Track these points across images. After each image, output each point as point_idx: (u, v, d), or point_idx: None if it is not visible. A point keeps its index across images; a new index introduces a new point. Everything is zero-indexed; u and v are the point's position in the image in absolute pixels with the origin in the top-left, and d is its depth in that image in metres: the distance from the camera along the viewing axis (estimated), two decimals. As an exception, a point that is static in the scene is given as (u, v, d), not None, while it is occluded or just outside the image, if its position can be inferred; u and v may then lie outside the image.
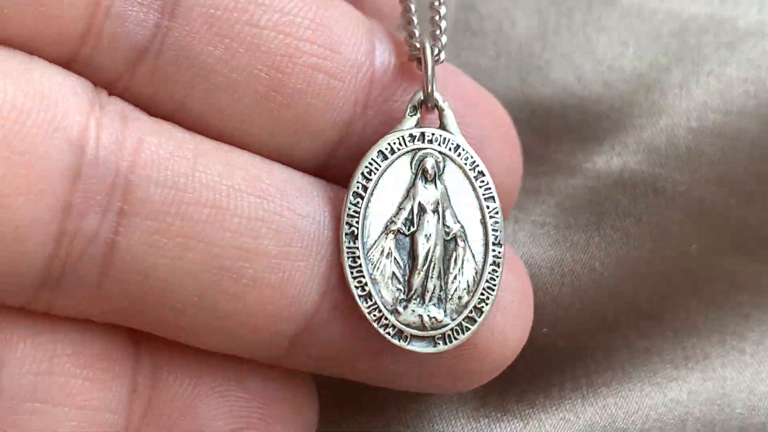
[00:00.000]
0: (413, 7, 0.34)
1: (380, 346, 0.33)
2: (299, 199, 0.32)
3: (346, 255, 0.32)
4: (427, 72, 0.33)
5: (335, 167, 0.34)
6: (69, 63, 0.31)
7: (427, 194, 0.33)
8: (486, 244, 0.33)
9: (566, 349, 0.37)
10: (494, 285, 0.33)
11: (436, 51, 0.34)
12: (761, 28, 0.38)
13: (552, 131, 0.39)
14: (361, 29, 0.33)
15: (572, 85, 0.39)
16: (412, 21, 0.34)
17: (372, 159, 0.33)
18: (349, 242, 0.32)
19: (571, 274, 0.37)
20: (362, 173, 0.33)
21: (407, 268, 0.33)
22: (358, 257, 0.32)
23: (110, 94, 0.32)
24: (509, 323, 0.34)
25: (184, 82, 0.32)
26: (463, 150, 0.33)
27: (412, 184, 0.33)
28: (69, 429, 0.31)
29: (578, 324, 0.37)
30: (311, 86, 0.32)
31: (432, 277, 0.33)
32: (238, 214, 0.31)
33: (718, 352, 0.37)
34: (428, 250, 0.33)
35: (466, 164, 0.33)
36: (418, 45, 0.34)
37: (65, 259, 0.30)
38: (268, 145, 0.33)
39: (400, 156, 0.33)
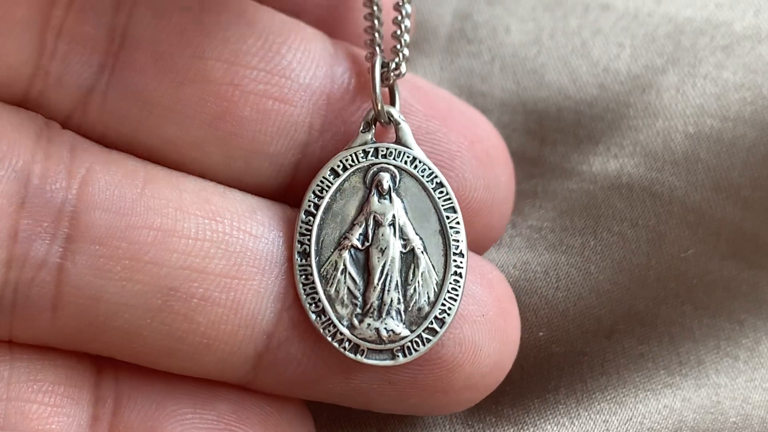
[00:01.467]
0: (377, 24, 0.34)
1: (345, 364, 0.33)
2: (251, 220, 0.33)
3: (298, 273, 0.33)
4: (374, 88, 0.33)
5: (296, 189, 0.34)
6: (21, 102, 0.32)
7: (381, 208, 0.33)
8: (446, 255, 0.33)
9: (561, 354, 0.37)
10: (456, 296, 0.33)
11: (393, 65, 0.34)
12: (757, 32, 0.38)
13: (547, 133, 0.38)
14: (317, 52, 0.34)
15: (567, 87, 0.38)
16: (375, 38, 0.34)
17: (324, 177, 0.33)
18: (302, 260, 0.33)
19: (566, 277, 0.37)
20: (313, 191, 0.33)
21: (362, 282, 0.33)
22: (311, 275, 0.33)
23: (72, 129, 0.33)
24: (482, 337, 0.33)
25: (132, 116, 0.32)
26: (420, 162, 0.33)
27: (366, 199, 0.33)
28: None
29: (573, 328, 0.37)
30: (260, 113, 0.33)
31: (389, 290, 0.33)
32: (185, 235, 0.32)
33: (712, 359, 0.37)
34: (384, 264, 0.33)
35: (423, 176, 0.33)
36: None
37: (15, 286, 0.31)
38: (222, 171, 0.33)
39: (353, 172, 0.33)
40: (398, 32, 0.35)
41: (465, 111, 0.36)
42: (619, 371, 0.37)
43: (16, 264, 0.31)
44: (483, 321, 0.33)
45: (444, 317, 0.33)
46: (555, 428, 0.36)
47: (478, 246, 0.35)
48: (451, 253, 0.33)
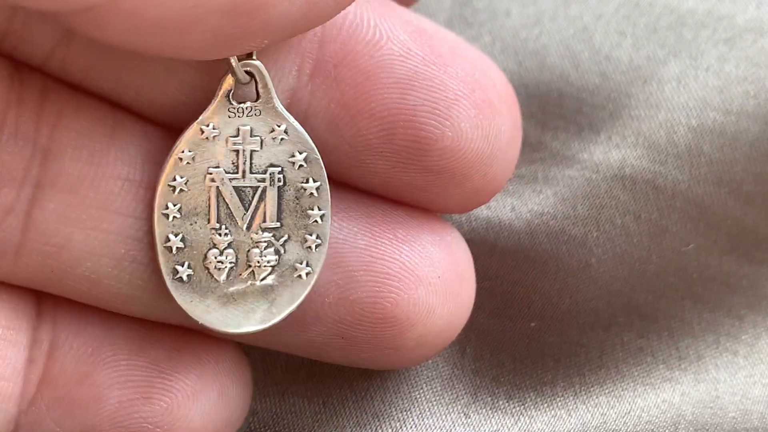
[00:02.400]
0: None
1: (301, 318, 0.33)
2: None
3: None
4: None
5: None
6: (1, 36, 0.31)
7: None
8: None
9: (556, 345, 0.36)
10: None
11: None
12: (759, 25, 0.38)
13: (548, 118, 0.38)
14: None
15: (569, 72, 0.38)
16: None
17: None
18: None
19: (565, 269, 0.36)
20: None
21: None
22: None
23: (43, 72, 0.32)
24: (435, 299, 0.33)
25: (119, 52, 0.31)
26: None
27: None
28: None
29: (569, 319, 0.36)
30: None
31: None
32: (152, 186, 0.32)
33: (711, 354, 0.37)
34: None
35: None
36: None
37: None
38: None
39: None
40: None
41: (470, 55, 0.34)
42: (618, 365, 0.36)
43: None
44: (438, 283, 0.33)
45: None
46: (552, 420, 0.36)
47: (477, 196, 0.34)
48: None
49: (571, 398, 0.36)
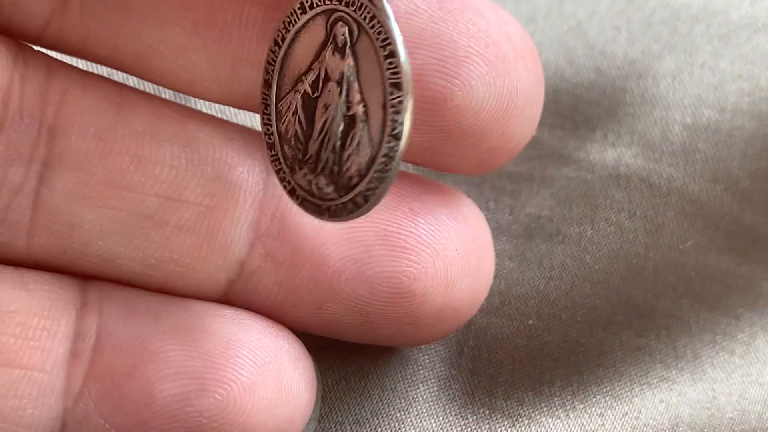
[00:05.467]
0: None
1: (318, 295, 0.32)
2: (227, 148, 0.32)
3: (261, 103, 0.31)
4: None
5: None
6: None
7: (333, 62, 0.31)
8: (382, 133, 0.30)
9: (555, 343, 0.36)
10: (383, 177, 0.30)
11: None
12: (754, 21, 0.38)
13: (544, 116, 0.37)
14: None
15: (564, 68, 0.38)
16: None
17: (293, 10, 0.31)
18: (264, 89, 0.31)
19: (560, 266, 0.36)
20: (283, 22, 0.31)
21: (308, 131, 0.31)
22: (269, 105, 0.31)
23: (42, 44, 0.32)
24: (454, 272, 0.32)
25: (112, 21, 0.31)
26: (378, 23, 0.30)
27: (323, 47, 0.31)
28: None
29: (567, 317, 0.36)
30: (243, 19, 0.32)
31: (326, 149, 0.31)
32: (161, 162, 0.32)
33: (708, 353, 0.37)
34: (325, 121, 0.31)
35: (378, 39, 0.30)
36: None
37: None
38: (209, 79, 0.32)
39: (317, 13, 0.31)
40: None
41: (483, 9, 0.32)
42: (616, 364, 0.36)
43: None
44: (456, 255, 0.32)
45: (368, 195, 0.30)
46: (550, 420, 0.36)
47: (494, 156, 0.33)
48: (387, 133, 0.30)
49: (569, 398, 0.36)
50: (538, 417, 0.36)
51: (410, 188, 0.33)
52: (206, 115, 0.33)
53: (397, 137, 0.29)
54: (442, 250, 0.32)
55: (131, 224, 0.32)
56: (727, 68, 0.37)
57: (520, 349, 0.36)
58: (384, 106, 0.30)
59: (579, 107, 0.38)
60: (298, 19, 0.31)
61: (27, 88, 0.31)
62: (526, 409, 0.36)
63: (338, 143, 0.30)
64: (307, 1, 0.31)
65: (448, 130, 0.31)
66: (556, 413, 0.36)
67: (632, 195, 0.36)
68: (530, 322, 0.36)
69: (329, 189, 0.31)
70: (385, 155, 0.30)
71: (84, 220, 0.31)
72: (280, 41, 0.31)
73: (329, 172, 0.31)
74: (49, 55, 0.32)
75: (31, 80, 0.31)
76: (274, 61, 0.31)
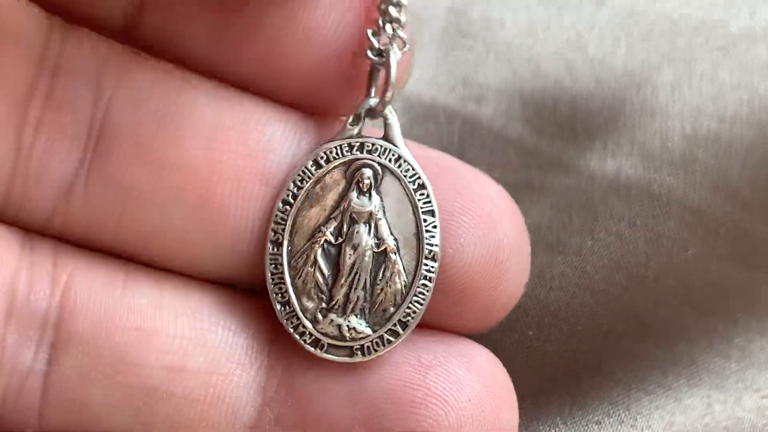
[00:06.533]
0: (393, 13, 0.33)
1: None
2: (230, 315, 0.33)
3: (269, 262, 0.32)
4: (389, 77, 0.32)
5: None
6: (2, 204, 0.32)
7: (360, 205, 0.32)
8: (418, 258, 0.32)
9: (555, 353, 0.36)
10: (423, 300, 0.32)
11: (399, 54, 0.32)
12: (752, 32, 0.38)
13: (544, 126, 0.38)
14: (296, 130, 0.33)
15: (563, 78, 0.38)
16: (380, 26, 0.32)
17: (305, 167, 0.32)
18: (273, 249, 0.32)
19: (561, 277, 0.36)
20: (293, 181, 0.32)
21: (331, 278, 0.32)
22: (281, 264, 0.32)
23: (46, 234, 0.33)
24: (468, 423, 0.32)
25: (114, 208, 0.32)
26: (404, 162, 0.32)
27: (345, 194, 0.32)
28: None
29: (567, 328, 0.36)
30: (242, 198, 0.32)
31: (356, 288, 0.32)
32: (165, 333, 0.32)
33: (704, 358, 0.37)
34: (355, 261, 0.32)
35: (406, 176, 0.32)
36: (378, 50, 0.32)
37: (3, 396, 0.32)
38: (209, 258, 0.33)
39: (336, 166, 0.32)
40: (391, 9, 0.32)
41: (460, 170, 0.33)
42: (614, 371, 0.36)
43: (4, 373, 0.31)
44: (469, 406, 0.32)
45: (408, 320, 0.32)
46: (549, 430, 0.35)
47: (493, 311, 0.33)
48: (423, 257, 0.32)
49: (567, 406, 0.36)
50: (536, 426, 0.36)
51: (420, 340, 0.33)
52: (209, 284, 0.33)
53: (434, 259, 0.32)
54: (453, 402, 0.32)
55: (138, 399, 0.32)
56: (726, 78, 0.37)
57: (520, 360, 0.36)
58: (417, 235, 0.32)
59: (579, 117, 0.38)
60: (312, 175, 0.32)
61: (34, 274, 0.32)
62: (524, 419, 0.36)
63: (369, 279, 0.32)
64: (322, 157, 0.32)
65: (443, 290, 0.32)
66: (554, 422, 0.36)
67: (632, 204, 0.36)
68: (530, 333, 0.36)
69: (362, 326, 0.32)
70: (425, 277, 0.32)
71: (92, 399, 0.32)
72: (291, 199, 0.32)
73: (360, 309, 0.32)
74: (55, 239, 0.33)
75: (37, 265, 0.32)
76: (284, 220, 0.32)
